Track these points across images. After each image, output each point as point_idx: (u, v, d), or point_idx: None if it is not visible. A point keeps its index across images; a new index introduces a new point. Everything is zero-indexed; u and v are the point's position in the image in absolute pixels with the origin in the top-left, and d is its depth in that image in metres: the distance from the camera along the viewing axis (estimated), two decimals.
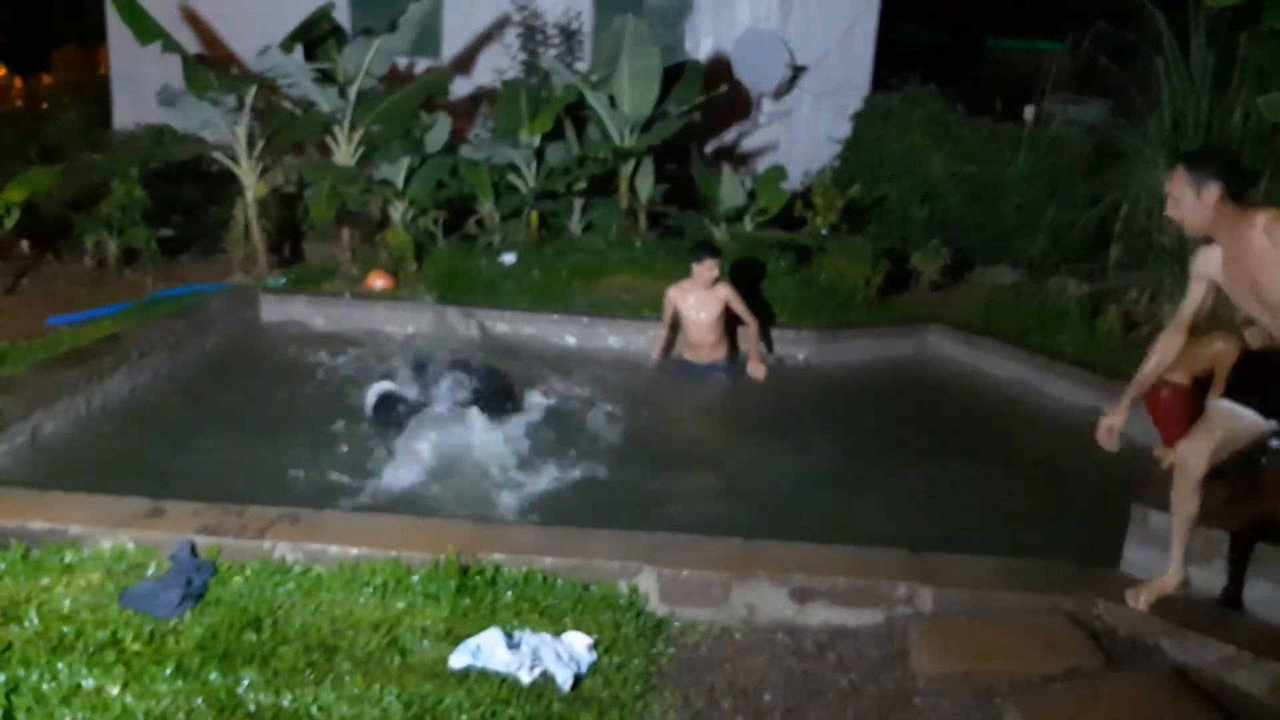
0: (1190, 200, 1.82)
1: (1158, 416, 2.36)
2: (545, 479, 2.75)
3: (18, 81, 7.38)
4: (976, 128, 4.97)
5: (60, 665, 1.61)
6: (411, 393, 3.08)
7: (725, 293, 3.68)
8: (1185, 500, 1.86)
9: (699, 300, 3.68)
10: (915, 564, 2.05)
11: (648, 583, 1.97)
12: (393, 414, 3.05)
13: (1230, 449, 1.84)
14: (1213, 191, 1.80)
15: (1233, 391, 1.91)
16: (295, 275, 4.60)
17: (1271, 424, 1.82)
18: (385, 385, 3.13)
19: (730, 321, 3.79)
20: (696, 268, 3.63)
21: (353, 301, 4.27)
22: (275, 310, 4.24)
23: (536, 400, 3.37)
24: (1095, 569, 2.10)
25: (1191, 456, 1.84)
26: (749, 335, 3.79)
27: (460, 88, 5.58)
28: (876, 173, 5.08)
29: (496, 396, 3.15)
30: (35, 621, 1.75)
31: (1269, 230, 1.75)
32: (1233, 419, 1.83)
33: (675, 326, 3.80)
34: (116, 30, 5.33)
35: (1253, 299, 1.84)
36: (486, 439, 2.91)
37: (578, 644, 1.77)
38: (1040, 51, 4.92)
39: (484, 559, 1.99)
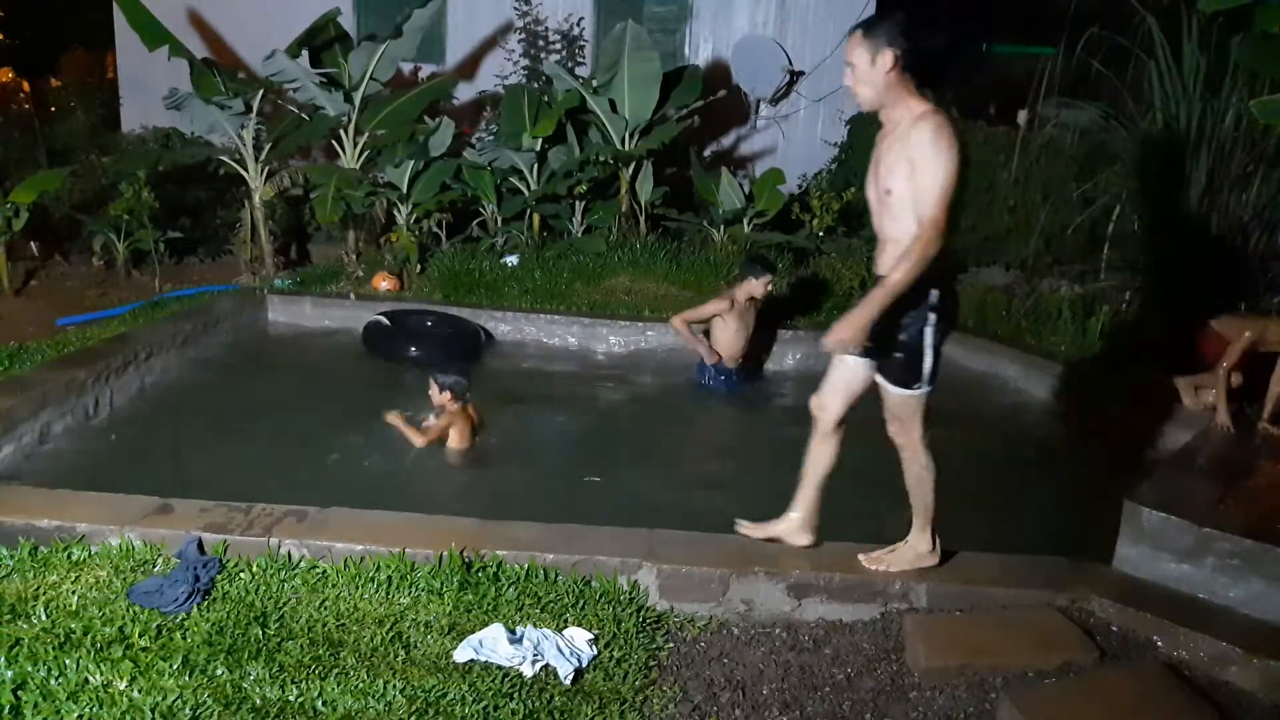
0: (865, 68, 1.75)
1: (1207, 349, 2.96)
2: (547, 476, 2.78)
3: (25, 85, 7.43)
4: (971, 131, 5.01)
5: (68, 661, 1.63)
6: (393, 332, 3.82)
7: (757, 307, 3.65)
8: (817, 447, 1.96)
9: (743, 312, 3.60)
10: None
11: (647, 578, 2.00)
12: (380, 343, 3.77)
13: (852, 393, 1.92)
14: (887, 58, 1.73)
15: None
16: (301, 277, 4.63)
17: (862, 363, 1.86)
18: (375, 318, 3.86)
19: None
20: (755, 282, 3.57)
21: (358, 303, 4.31)
22: (282, 311, 4.28)
23: (535, 400, 3.40)
24: (1088, 565, 2.13)
25: (815, 405, 1.94)
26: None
27: (464, 92, 5.63)
28: None
29: (465, 340, 3.88)
30: (43, 617, 1.77)
31: (921, 121, 1.71)
32: (840, 363, 1.90)
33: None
34: (124, 34, 5.39)
35: (873, 182, 1.83)
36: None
37: (579, 638, 1.80)
38: (1034, 56, 4.96)
39: (487, 555, 2.02)
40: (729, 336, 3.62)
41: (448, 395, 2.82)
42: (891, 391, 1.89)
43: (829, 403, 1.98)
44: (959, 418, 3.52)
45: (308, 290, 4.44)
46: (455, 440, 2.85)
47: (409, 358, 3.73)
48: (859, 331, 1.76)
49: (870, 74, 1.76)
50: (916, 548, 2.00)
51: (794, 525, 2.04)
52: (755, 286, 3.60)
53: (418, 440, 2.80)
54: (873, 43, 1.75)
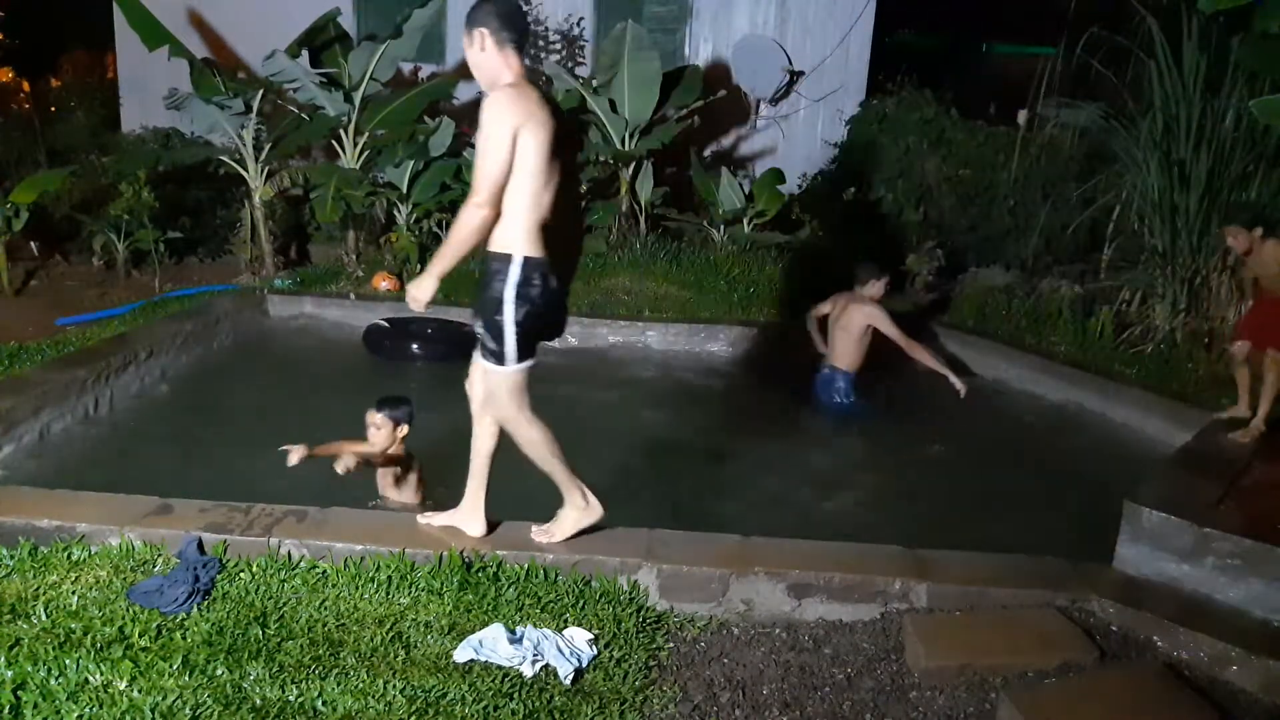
0: (468, 51, 1.82)
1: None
2: (540, 475, 2.77)
3: (25, 85, 7.43)
4: (971, 131, 5.02)
5: (68, 661, 1.63)
6: (394, 333, 3.86)
7: (873, 312, 3.43)
8: (475, 430, 1.98)
9: (848, 311, 3.47)
10: (910, 560, 2.08)
11: (647, 578, 2.00)
12: (382, 345, 3.80)
13: (520, 389, 1.93)
14: (477, 38, 1.79)
15: None
16: (301, 277, 4.64)
17: (508, 367, 1.87)
18: (376, 321, 3.89)
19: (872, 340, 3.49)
20: (867, 287, 3.43)
21: (358, 303, 4.31)
22: (281, 311, 4.29)
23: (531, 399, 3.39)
24: (1088, 565, 2.13)
25: (466, 384, 1.98)
26: (920, 356, 3.42)
27: (464, 92, 5.61)
28: (872, 176, 5.13)
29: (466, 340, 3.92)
30: (43, 617, 1.77)
31: (491, 94, 1.76)
32: (489, 370, 1.90)
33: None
34: (124, 35, 5.38)
35: None
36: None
37: (579, 638, 1.80)
38: (1034, 56, 4.97)
39: (487, 555, 2.02)
40: (834, 333, 3.48)
41: (400, 426, 2.25)
42: (480, 364, 1.92)
43: (474, 378, 1.99)
44: (953, 417, 3.56)
45: (308, 290, 4.44)
46: (404, 491, 2.35)
47: (413, 356, 3.73)
48: (425, 290, 1.82)
49: (472, 55, 1.83)
50: (572, 511, 2.03)
51: (464, 514, 2.05)
52: (870, 289, 3.43)
53: (341, 462, 2.14)
54: (470, 27, 1.81)
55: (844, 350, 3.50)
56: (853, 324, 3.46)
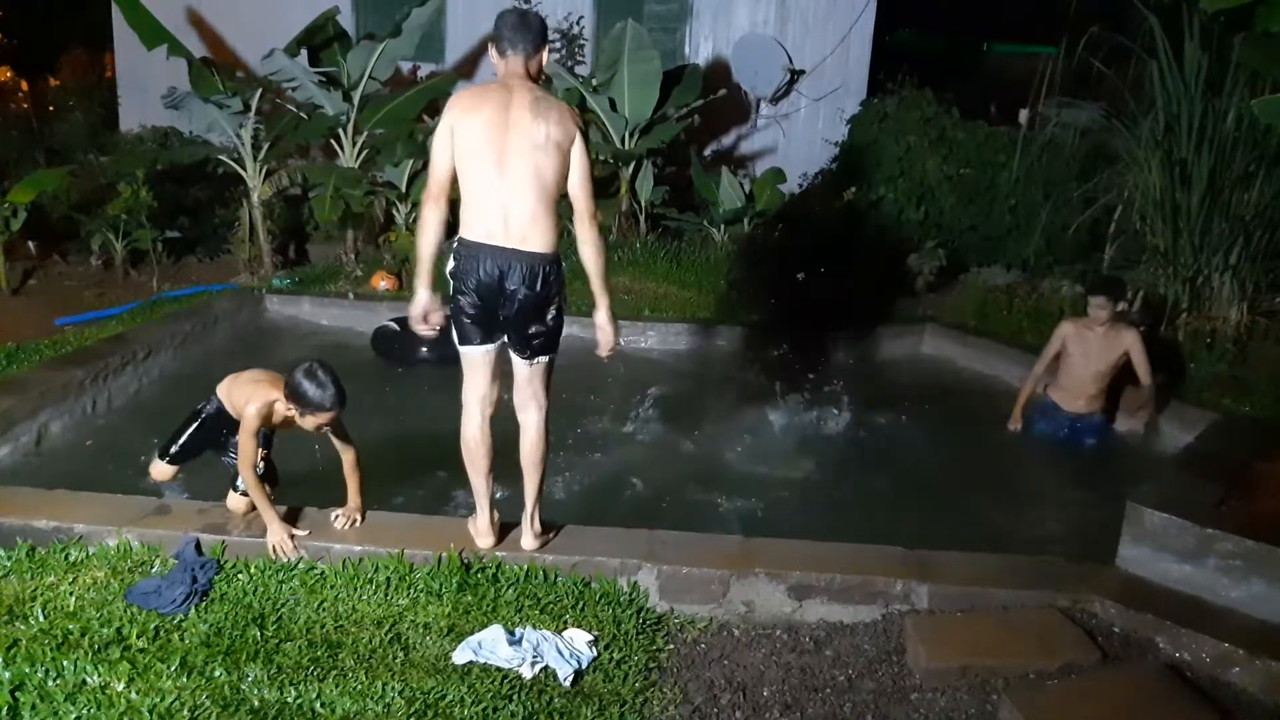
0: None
1: None
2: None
3: (24, 84, 7.43)
4: (972, 131, 5.01)
5: (65, 662, 1.63)
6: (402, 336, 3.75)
7: (1129, 340, 3.03)
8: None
9: (1091, 342, 3.07)
10: (911, 561, 2.07)
11: (648, 579, 1.99)
12: (391, 348, 3.78)
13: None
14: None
15: None
16: (300, 276, 4.63)
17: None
18: (384, 323, 3.85)
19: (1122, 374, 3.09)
20: (1091, 307, 3.04)
21: (357, 302, 4.30)
22: (280, 311, 4.28)
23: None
24: (1090, 565, 2.12)
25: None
26: (1140, 393, 3.07)
27: None
28: (873, 175, 5.12)
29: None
30: (41, 618, 1.77)
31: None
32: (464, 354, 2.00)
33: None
34: (122, 33, 5.38)
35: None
36: None
37: (579, 640, 1.79)
38: (1035, 55, 4.97)
39: (486, 556, 2.02)
40: (1074, 368, 3.11)
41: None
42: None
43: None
44: (955, 417, 3.55)
45: (306, 290, 4.44)
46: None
47: (425, 360, 3.65)
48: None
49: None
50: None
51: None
52: (1092, 312, 3.03)
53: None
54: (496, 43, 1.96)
55: (1101, 391, 3.20)
56: (1110, 359, 3.12)
